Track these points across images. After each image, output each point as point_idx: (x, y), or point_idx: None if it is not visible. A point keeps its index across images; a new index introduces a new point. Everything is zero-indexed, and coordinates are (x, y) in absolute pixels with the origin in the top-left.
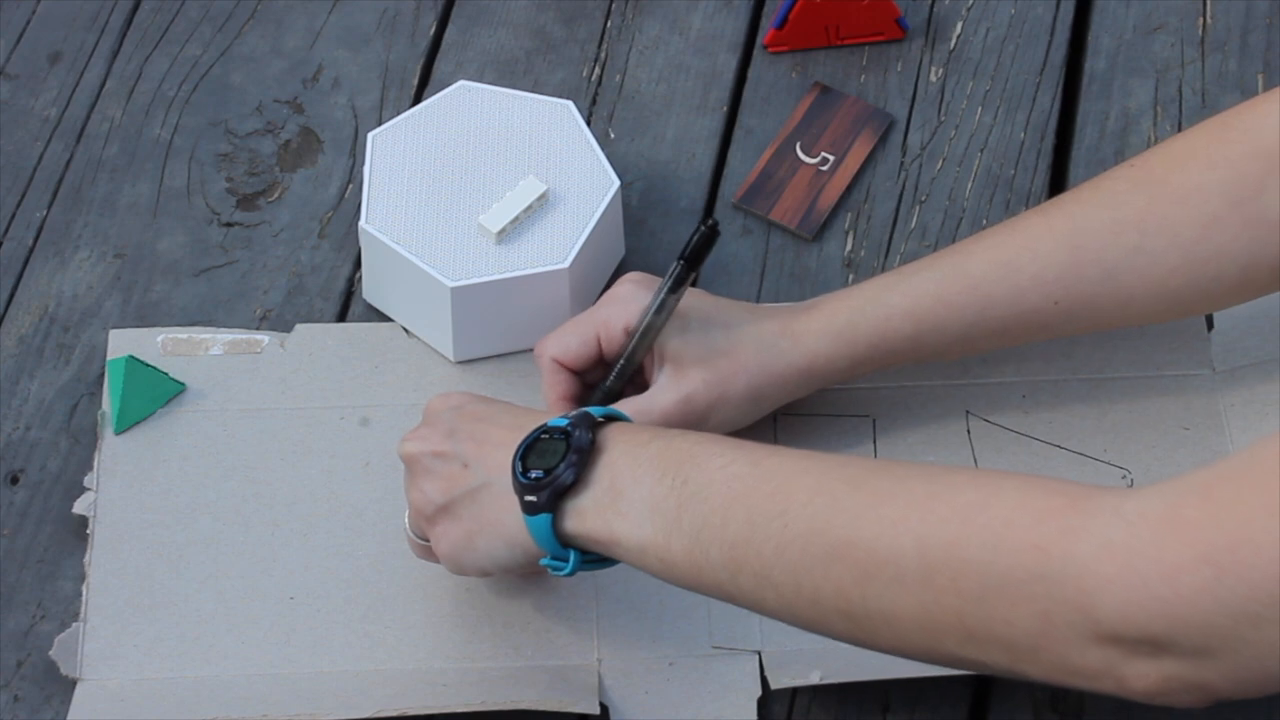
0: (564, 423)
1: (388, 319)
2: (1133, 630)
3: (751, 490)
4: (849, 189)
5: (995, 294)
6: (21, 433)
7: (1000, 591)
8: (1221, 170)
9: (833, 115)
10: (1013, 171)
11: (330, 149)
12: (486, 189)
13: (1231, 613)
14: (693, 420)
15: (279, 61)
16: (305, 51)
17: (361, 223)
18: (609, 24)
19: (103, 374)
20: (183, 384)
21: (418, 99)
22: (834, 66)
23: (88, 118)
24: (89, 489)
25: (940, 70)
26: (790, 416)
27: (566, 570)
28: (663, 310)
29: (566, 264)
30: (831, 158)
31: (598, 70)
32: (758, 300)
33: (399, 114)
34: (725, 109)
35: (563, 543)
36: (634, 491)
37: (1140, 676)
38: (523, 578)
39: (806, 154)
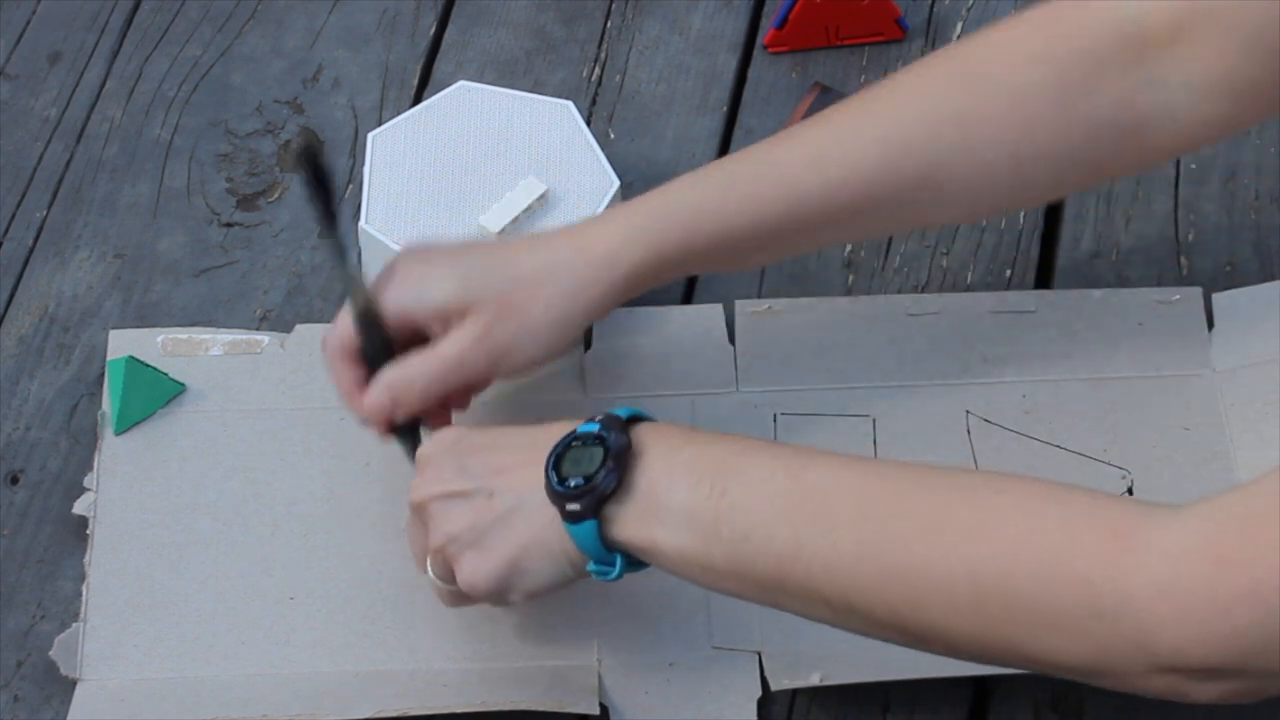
0: (594, 428)
1: None
2: (1193, 662)
3: (796, 508)
4: None
5: (808, 190)
6: (21, 433)
7: (1054, 625)
8: (1048, 68)
9: None
10: None
11: (330, 149)
12: (486, 189)
13: None
14: (496, 357)
15: (279, 61)
16: (305, 51)
17: (361, 223)
18: (609, 24)
19: (103, 374)
20: (183, 384)
21: (418, 99)
22: (834, 66)
23: (88, 118)
24: (89, 489)
25: None
26: (790, 416)
27: (613, 575)
28: (339, 258)
29: None
30: None
31: (598, 70)
32: (759, 295)
33: (399, 114)
34: (725, 109)
35: (608, 548)
36: (670, 498)
37: (1203, 693)
38: None
39: None
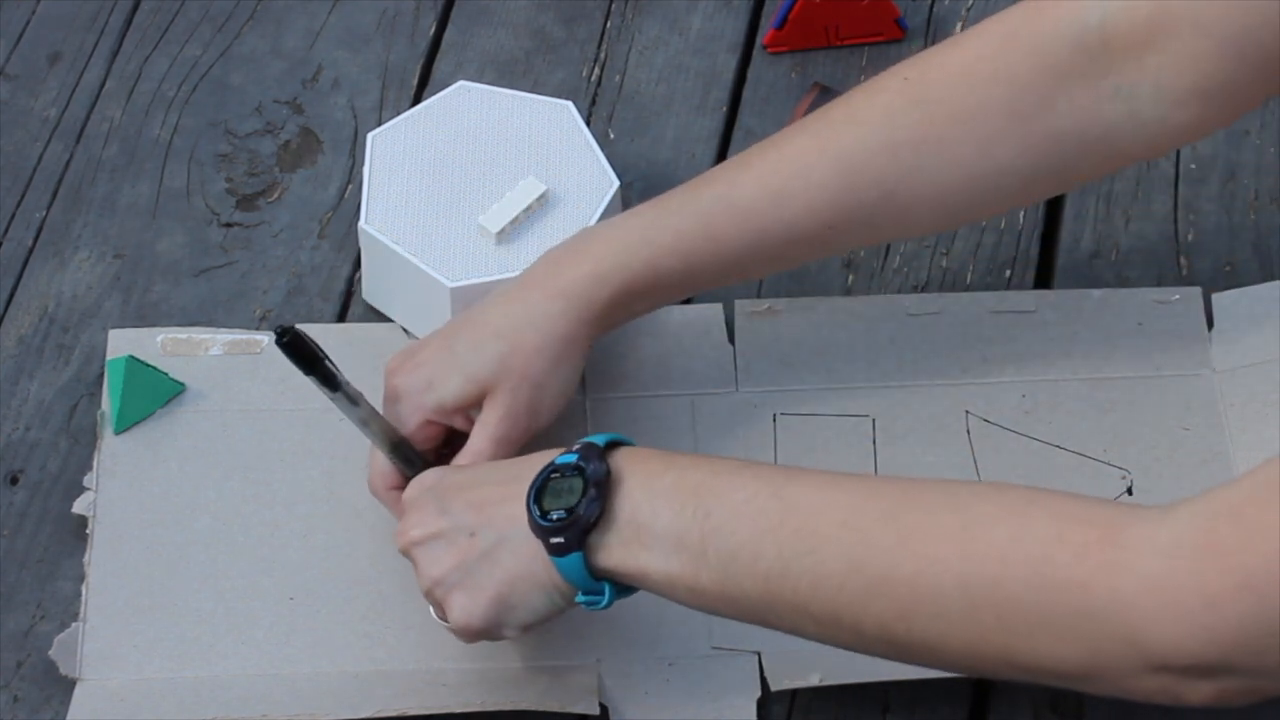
0: (573, 458)
1: (388, 319)
2: (1185, 659)
3: (779, 525)
4: None
5: (767, 226)
6: (21, 433)
7: (1046, 629)
8: (1005, 87)
9: None
10: None
11: (330, 149)
12: (486, 189)
13: (1277, 635)
14: (526, 423)
15: (279, 62)
16: (305, 52)
17: (361, 223)
18: (609, 24)
19: (102, 374)
20: (182, 384)
21: (417, 99)
22: (834, 67)
23: (88, 118)
24: (89, 489)
25: None
26: (790, 416)
27: (603, 604)
28: (350, 407)
29: None
30: None
31: (597, 70)
32: (759, 295)
33: (399, 114)
34: (725, 109)
35: (595, 577)
36: (654, 524)
37: (1197, 692)
38: None
39: None
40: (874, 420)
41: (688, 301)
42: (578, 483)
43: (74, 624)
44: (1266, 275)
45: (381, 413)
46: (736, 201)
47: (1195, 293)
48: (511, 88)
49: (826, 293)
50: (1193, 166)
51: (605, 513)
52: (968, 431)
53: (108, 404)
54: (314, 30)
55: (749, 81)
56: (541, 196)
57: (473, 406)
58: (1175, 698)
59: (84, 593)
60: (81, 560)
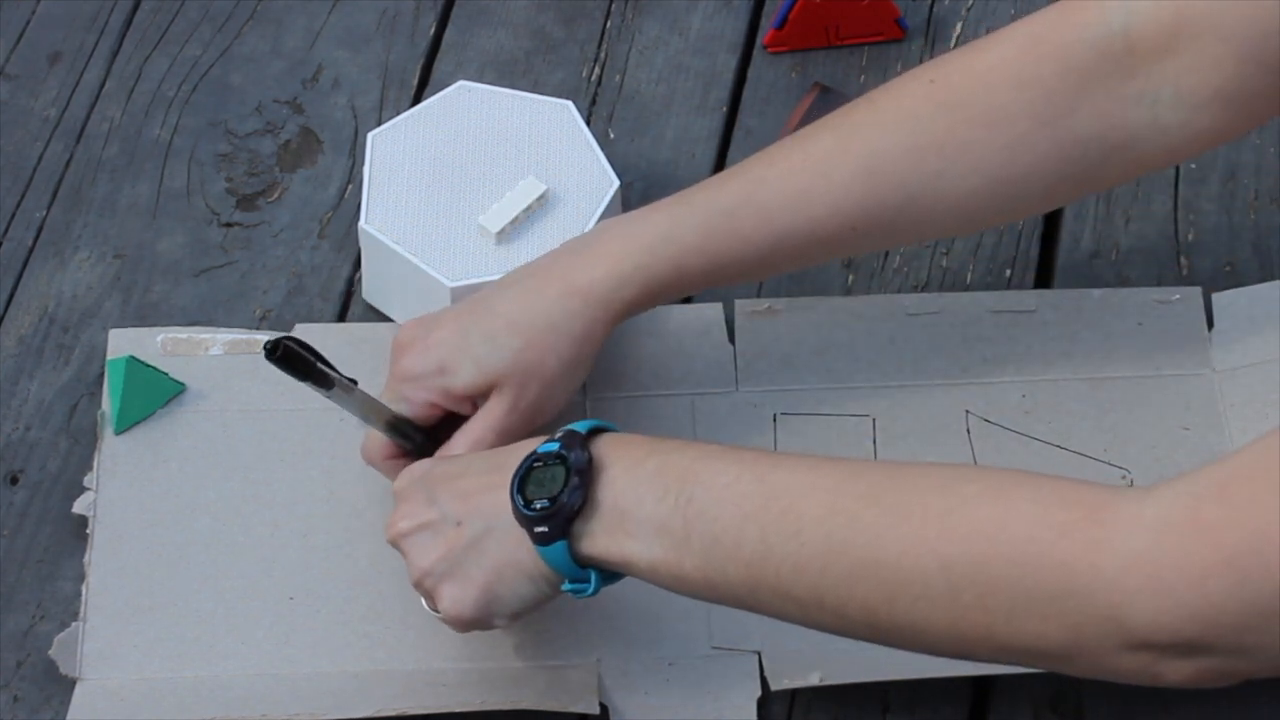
0: (555, 446)
1: (388, 319)
2: (1165, 636)
3: (762, 509)
4: None
5: (792, 225)
6: (21, 433)
7: (1029, 608)
8: (1031, 90)
9: None
10: None
11: (330, 149)
12: (486, 189)
13: (1260, 611)
14: (530, 418)
15: (279, 62)
16: (305, 52)
17: (361, 223)
18: (609, 24)
19: (103, 374)
20: (182, 384)
21: (417, 99)
22: (834, 66)
23: (88, 118)
24: (89, 489)
25: None
26: (790, 416)
27: (589, 591)
28: (346, 399)
29: None
30: None
31: (597, 70)
32: (758, 295)
33: (399, 114)
34: (725, 109)
35: (580, 565)
36: (638, 511)
37: (1176, 671)
38: None
39: None
40: (874, 420)
41: (687, 301)
42: (560, 471)
43: (74, 624)
44: (1266, 275)
45: (386, 384)
46: (763, 201)
47: (1195, 293)
48: (511, 88)
49: (826, 293)
50: (1193, 166)
51: (588, 500)
52: (968, 431)
53: (108, 404)
54: (314, 30)
55: (749, 81)
56: (541, 196)
57: (479, 398)
58: (1154, 677)
59: (84, 593)
60: (81, 560)
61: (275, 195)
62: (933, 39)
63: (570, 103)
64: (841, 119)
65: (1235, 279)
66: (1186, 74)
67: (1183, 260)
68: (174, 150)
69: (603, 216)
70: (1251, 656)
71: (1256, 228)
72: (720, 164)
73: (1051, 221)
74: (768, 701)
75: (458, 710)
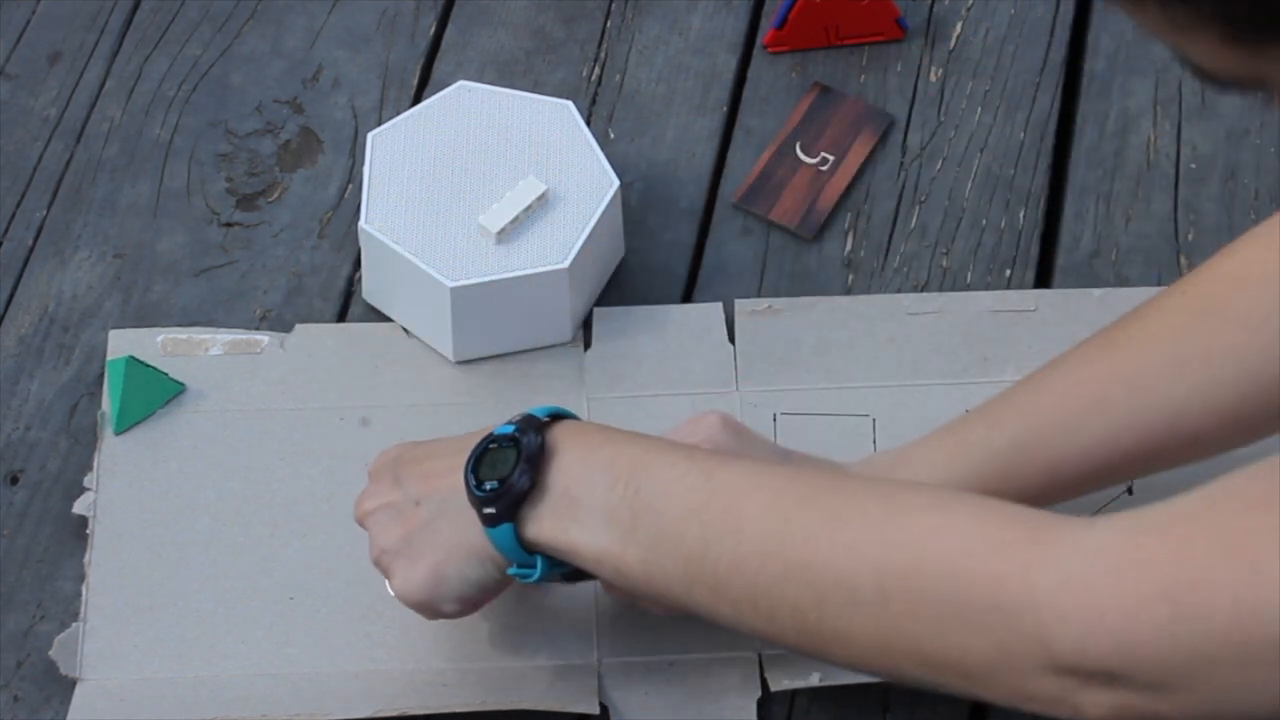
0: (510, 429)
1: (388, 319)
2: (1088, 663)
3: (705, 505)
4: (849, 189)
5: (1066, 458)
6: (21, 433)
7: (957, 620)
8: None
9: (832, 115)
10: (1012, 171)
11: (330, 149)
12: (486, 189)
13: (1186, 651)
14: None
15: (279, 61)
16: (305, 51)
17: (361, 223)
18: (609, 24)
19: (103, 374)
20: (182, 384)
21: (417, 99)
22: (834, 66)
23: (88, 118)
24: (89, 489)
25: (940, 70)
26: (790, 416)
27: (534, 577)
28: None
29: (566, 264)
30: (831, 158)
31: (597, 70)
32: (758, 296)
33: (399, 114)
34: (725, 109)
35: (527, 550)
36: (588, 499)
37: (1094, 705)
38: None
39: (806, 154)
40: (874, 420)
41: (687, 300)
42: (512, 454)
43: (74, 624)
44: None
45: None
46: (1037, 436)
47: None
48: (511, 88)
49: (826, 292)
50: (1193, 166)
51: (538, 485)
52: None
53: (108, 404)
54: (314, 30)
55: (749, 81)
56: (541, 196)
57: None
58: (1072, 708)
59: (84, 593)
60: (81, 560)
61: (275, 195)
62: (933, 39)
63: (570, 103)
64: (1107, 339)
65: None
66: None
67: (1183, 260)
68: (174, 150)
69: (602, 217)
70: (1172, 697)
71: None
72: (720, 164)
73: (1051, 221)
74: (768, 702)
75: (458, 710)
